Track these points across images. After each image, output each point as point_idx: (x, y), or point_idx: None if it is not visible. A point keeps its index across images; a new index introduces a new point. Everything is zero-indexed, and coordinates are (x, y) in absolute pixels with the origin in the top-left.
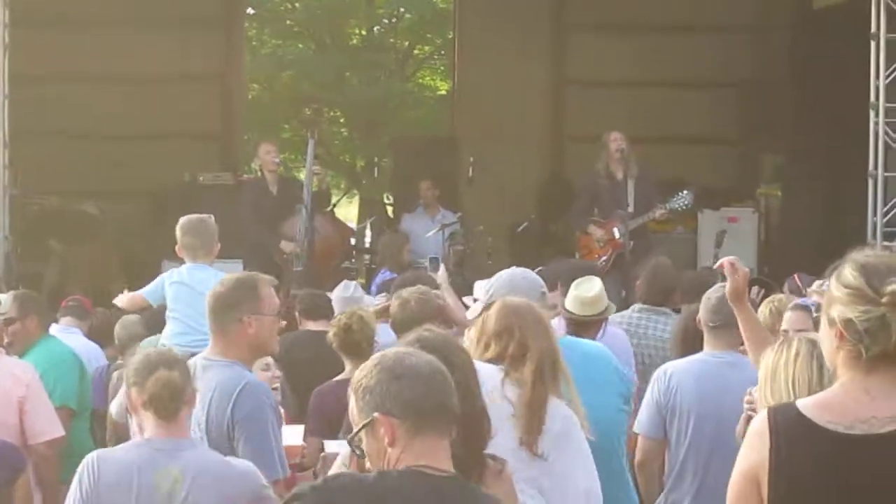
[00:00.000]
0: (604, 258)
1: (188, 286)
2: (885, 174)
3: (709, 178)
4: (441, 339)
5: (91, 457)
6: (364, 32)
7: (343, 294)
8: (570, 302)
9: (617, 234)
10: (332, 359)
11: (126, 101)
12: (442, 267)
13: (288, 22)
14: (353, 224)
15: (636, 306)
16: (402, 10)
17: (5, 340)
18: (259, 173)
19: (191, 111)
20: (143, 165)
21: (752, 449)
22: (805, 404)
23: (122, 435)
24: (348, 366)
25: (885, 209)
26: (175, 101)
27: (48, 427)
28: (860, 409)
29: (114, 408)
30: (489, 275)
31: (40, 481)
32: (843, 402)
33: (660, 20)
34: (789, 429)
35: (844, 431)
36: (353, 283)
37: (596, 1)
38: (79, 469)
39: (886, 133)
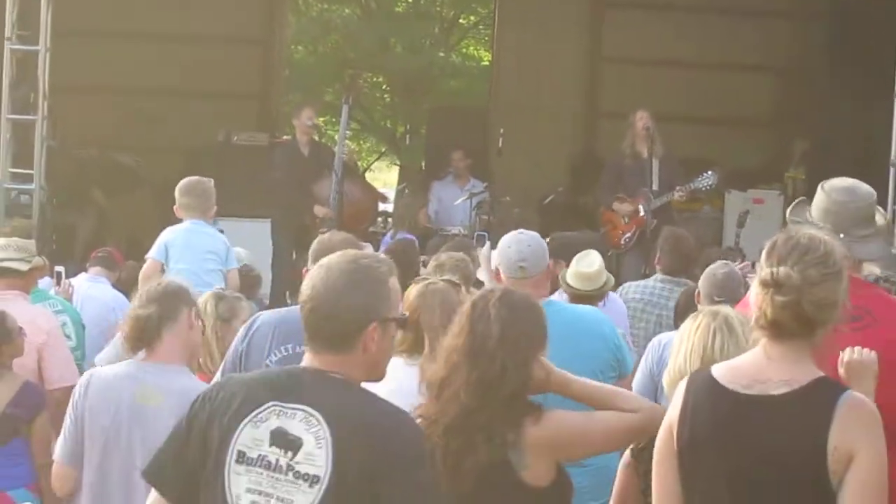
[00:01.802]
0: (627, 235)
1: (190, 242)
2: None
3: (739, 160)
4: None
5: (86, 374)
6: (410, 0)
7: None
8: (570, 277)
9: (641, 212)
10: None
11: (167, 58)
12: (487, 245)
13: None
14: (391, 190)
15: (658, 276)
16: None
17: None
18: (293, 135)
19: (231, 71)
20: (180, 123)
21: (672, 406)
22: (718, 368)
23: None
24: None
25: None
26: (216, 60)
27: (65, 375)
28: (760, 371)
29: (101, 360)
30: None
31: (55, 423)
32: (748, 365)
33: (697, 1)
34: (698, 388)
35: (742, 391)
36: None
37: None
38: (77, 384)
39: None
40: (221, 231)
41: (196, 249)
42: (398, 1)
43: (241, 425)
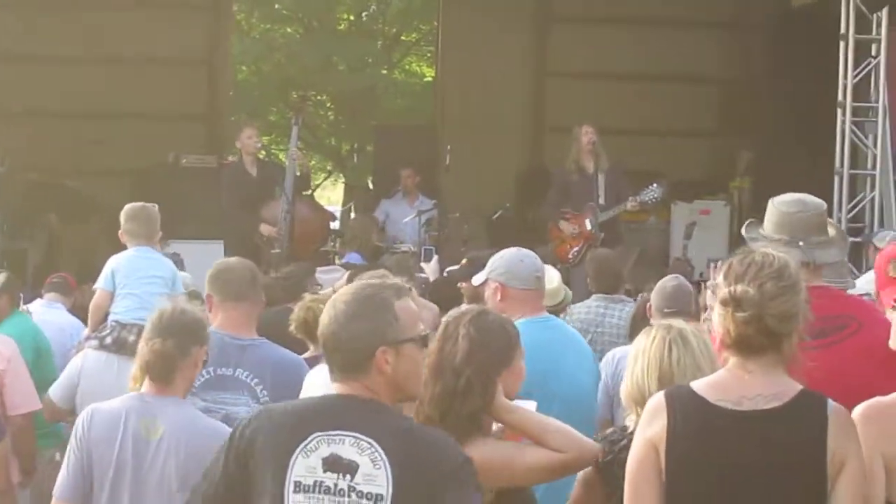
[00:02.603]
0: (575, 249)
1: (136, 267)
2: (851, 171)
3: (684, 171)
4: None
5: (87, 410)
6: (352, 18)
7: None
8: None
9: (588, 226)
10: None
11: (112, 81)
12: (435, 259)
13: (276, 6)
14: (337, 207)
15: (595, 296)
16: None
17: None
18: (239, 156)
19: (177, 93)
20: (128, 146)
21: (650, 424)
22: (697, 385)
23: (61, 419)
24: (312, 346)
25: (850, 206)
26: (161, 82)
27: (26, 400)
28: (744, 387)
29: (55, 392)
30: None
31: (17, 450)
32: (729, 381)
33: (641, 14)
34: (684, 405)
35: (733, 408)
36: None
37: None
38: (76, 422)
39: (853, 132)
40: (177, 254)
41: (141, 274)
42: (340, 19)
43: (293, 458)
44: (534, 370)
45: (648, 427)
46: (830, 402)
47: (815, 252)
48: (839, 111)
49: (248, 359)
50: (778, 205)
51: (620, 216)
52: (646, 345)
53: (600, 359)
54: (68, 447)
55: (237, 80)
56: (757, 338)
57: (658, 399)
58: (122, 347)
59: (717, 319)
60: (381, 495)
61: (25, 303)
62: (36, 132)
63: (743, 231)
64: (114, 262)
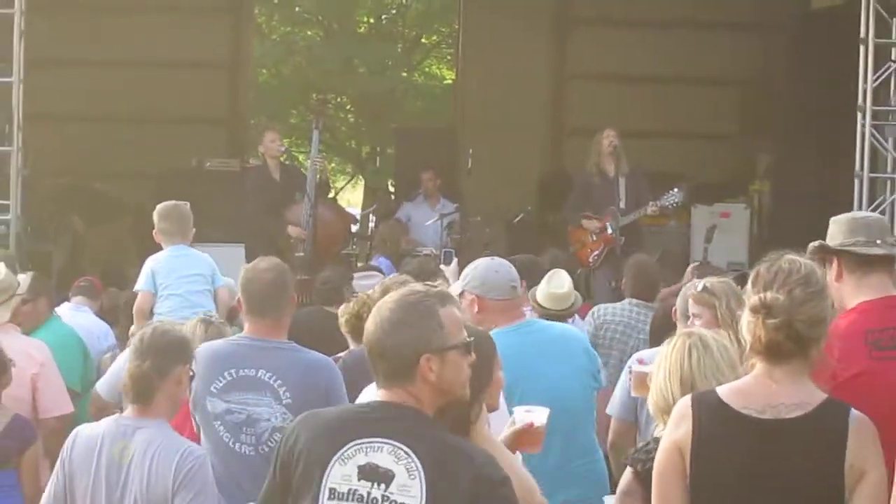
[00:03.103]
0: (596, 253)
1: (174, 266)
2: (871, 175)
3: (704, 174)
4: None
5: (74, 431)
6: (372, 21)
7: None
8: (541, 297)
9: (609, 230)
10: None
11: (135, 85)
12: (455, 262)
13: (297, 9)
14: (357, 210)
15: (629, 300)
16: None
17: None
18: (262, 160)
19: (199, 96)
20: (152, 149)
21: (677, 427)
22: (723, 391)
23: (107, 413)
24: (353, 345)
25: (870, 209)
26: (184, 86)
27: (59, 403)
28: (769, 395)
29: (101, 387)
30: None
31: (48, 453)
32: (754, 389)
33: (661, 16)
34: (709, 411)
35: (757, 416)
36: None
37: None
38: (66, 441)
39: (873, 135)
40: None
41: (181, 273)
42: (360, 22)
43: (330, 465)
44: (507, 380)
45: (675, 431)
46: (853, 411)
47: (894, 249)
48: (859, 115)
49: (270, 360)
50: (842, 218)
51: (641, 220)
52: (667, 352)
53: None
54: (56, 466)
55: (258, 83)
56: (787, 344)
57: (685, 403)
58: None
59: (745, 326)
60: None
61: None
62: (60, 135)
63: (825, 241)
64: (152, 263)
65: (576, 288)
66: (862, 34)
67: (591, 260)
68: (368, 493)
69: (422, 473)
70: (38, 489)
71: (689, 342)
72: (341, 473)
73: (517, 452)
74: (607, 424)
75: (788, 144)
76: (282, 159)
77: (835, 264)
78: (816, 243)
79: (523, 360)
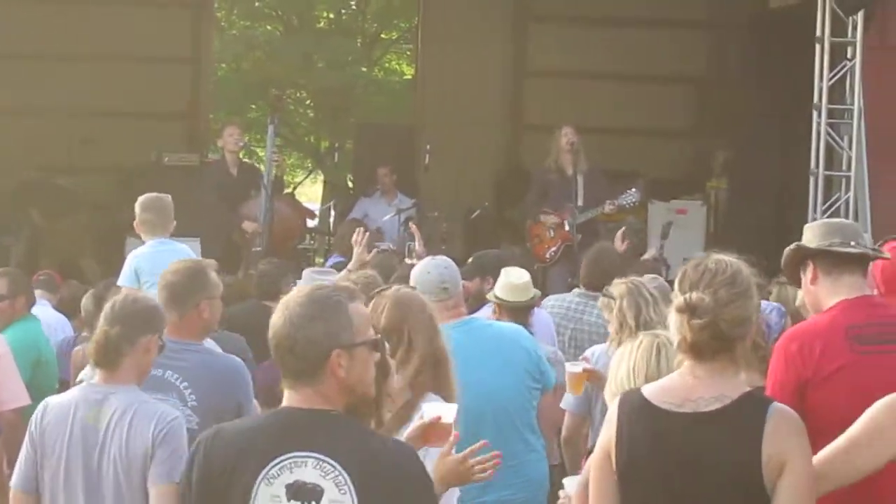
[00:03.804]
0: (553, 249)
1: (159, 261)
2: (826, 172)
3: (661, 171)
4: None
5: (42, 402)
6: (332, 16)
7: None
8: (500, 289)
9: (566, 227)
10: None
11: (95, 79)
12: (420, 243)
13: (257, 4)
14: (316, 205)
15: (576, 290)
16: None
17: None
18: (221, 154)
19: (159, 91)
20: (112, 144)
21: (606, 428)
22: (649, 389)
23: None
24: None
25: (825, 206)
26: (144, 80)
27: (16, 395)
28: (689, 390)
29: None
30: None
31: (7, 445)
32: (677, 385)
33: (620, 13)
34: (632, 409)
35: (675, 410)
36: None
37: None
38: (34, 412)
39: (828, 133)
40: None
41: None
42: (320, 17)
43: (256, 486)
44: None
45: (604, 434)
46: (775, 404)
47: (868, 250)
48: (815, 113)
49: (178, 362)
50: (816, 223)
51: (598, 217)
52: (631, 349)
53: (576, 355)
54: (25, 438)
55: (217, 77)
56: (711, 343)
57: (614, 405)
58: None
59: (673, 325)
60: None
61: None
62: (20, 129)
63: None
64: (135, 259)
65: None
66: (818, 33)
67: (547, 256)
68: None
69: (351, 487)
70: (2, 477)
71: (656, 342)
72: (269, 494)
73: (426, 447)
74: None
75: (745, 142)
76: (241, 155)
77: (810, 268)
78: (793, 246)
79: (458, 358)
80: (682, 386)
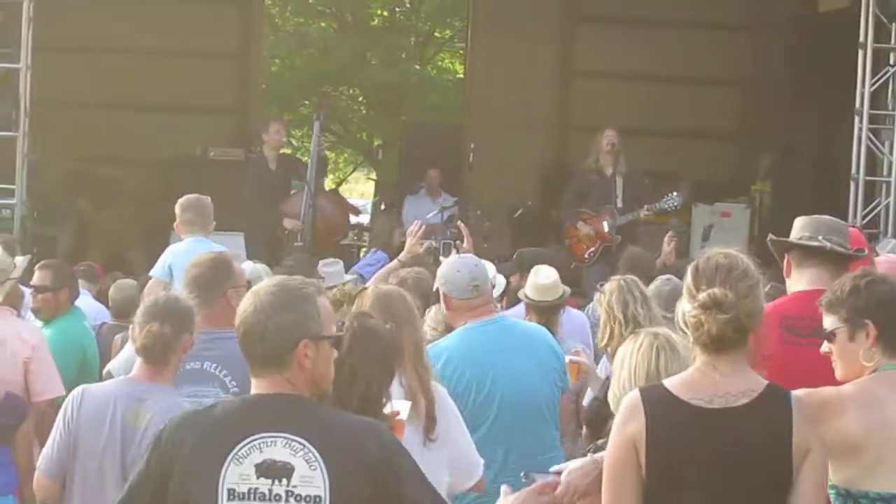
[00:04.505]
0: (591, 249)
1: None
2: (866, 178)
3: (706, 173)
4: None
5: (78, 389)
6: (386, 14)
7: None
8: (529, 289)
9: (605, 228)
10: None
11: (145, 73)
12: (453, 253)
13: (310, 0)
14: (368, 201)
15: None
16: None
17: (31, 305)
18: (260, 150)
19: (208, 86)
20: (158, 138)
21: (628, 421)
22: (671, 383)
23: None
24: None
25: (864, 212)
26: (193, 75)
27: (50, 386)
28: (715, 386)
29: (114, 366)
30: (485, 258)
31: (39, 435)
32: (700, 381)
33: (667, 15)
34: (663, 406)
35: (706, 406)
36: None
37: None
38: (66, 400)
39: (870, 139)
40: None
41: None
42: (374, 15)
43: (224, 467)
44: (465, 378)
45: (626, 426)
46: (793, 394)
47: (830, 245)
48: (856, 118)
49: (213, 352)
50: (802, 218)
51: (642, 218)
52: (632, 349)
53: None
54: (56, 424)
55: (271, 72)
56: (733, 336)
57: (634, 398)
58: None
59: (689, 320)
60: (320, 497)
61: None
62: (71, 121)
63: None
64: (171, 254)
65: (569, 283)
66: (861, 38)
67: (586, 256)
68: (270, 490)
69: (321, 463)
70: (32, 465)
71: (655, 343)
72: (238, 473)
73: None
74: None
75: (788, 145)
76: (282, 151)
77: (786, 260)
78: (768, 239)
79: (489, 356)
80: (708, 382)
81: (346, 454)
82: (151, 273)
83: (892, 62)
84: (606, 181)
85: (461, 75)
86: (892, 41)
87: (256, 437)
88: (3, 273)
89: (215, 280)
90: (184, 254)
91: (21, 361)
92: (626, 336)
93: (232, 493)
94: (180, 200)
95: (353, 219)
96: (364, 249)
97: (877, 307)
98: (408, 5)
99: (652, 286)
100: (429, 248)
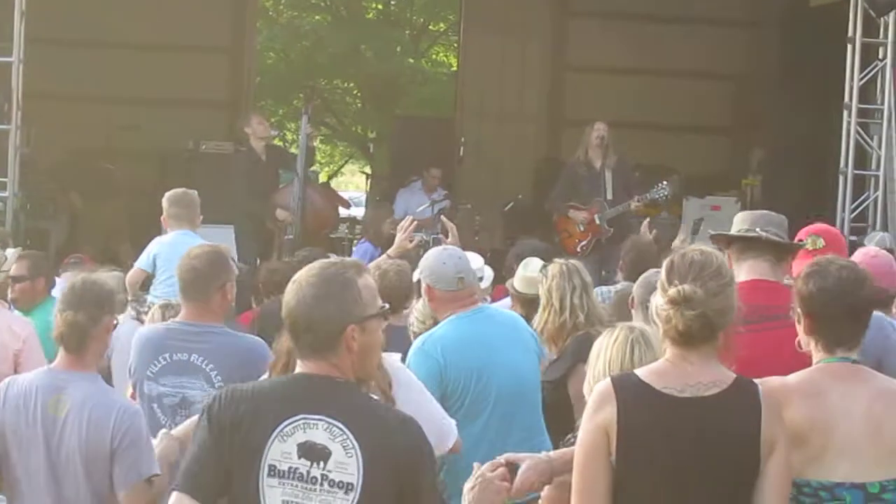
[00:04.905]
0: (583, 242)
1: (178, 252)
2: (855, 172)
3: (698, 167)
4: None
5: (6, 381)
6: (380, 7)
7: None
8: (517, 281)
9: (597, 220)
10: None
11: (138, 67)
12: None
13: None
14: (360, 194)
15: (623, 283)
16: None
17: (9, 296)
18: (247, 143)
19: (200, 80)
20: (150, 131)
21: (599, 409)
22: (643, 372)
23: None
24: None
25: (853, 206)
26: (186, 69)
27: None
28: (687, 376)
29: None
30: (476, 252)
31: None
32: (671, 371)
33: (659, 10)
34: (633, 393)
35: (677, 395)
36: None
37: None
38: None
39: (858, 133)
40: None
41: None
42: (368, 8)
43: (270, 441)
44: (467, 366)
45: (597, 413)
46: (761, 387)
47: (765, 235)
48: (845, 112)
49: (202, 344)
50: (741, 213)
51: (638, 211)
52: (608, 343)
53: None
54: None
55: (265, 66)
56: (700, 332)
57: (606, 386)
58: None
59: (659, 314)
60: (352, 484)
61: None
62: (63, 114)
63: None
64: (156, 246)
65: None
66: (850, 33)
67: (578, 249)
68: (308, 472)
69: (358, 451)
70: None
71: (631, 337)
72: (281, 450)
73: None
74: None
75: (778, 139)
76: (268, 141)
77: (728, 252)
78: (709, 233)
79: (483, 346)
80: (679, 372)
81: (381, 447)
82: (136, 264)
83: (880, 56)
84: (596, 174)
85: (455, 68)
86: (881, 36)
87: (300, 417)
88: None
89: (213, 274)
90: (169, 245)
91: (11, 354)
92: (559, 324)
93: (272, 470)
94: (167, 194)
95: (346, 212)
96: (355, 242)
97: (809, 299)
98: None
99: (642, 277)
100: (420, 243)
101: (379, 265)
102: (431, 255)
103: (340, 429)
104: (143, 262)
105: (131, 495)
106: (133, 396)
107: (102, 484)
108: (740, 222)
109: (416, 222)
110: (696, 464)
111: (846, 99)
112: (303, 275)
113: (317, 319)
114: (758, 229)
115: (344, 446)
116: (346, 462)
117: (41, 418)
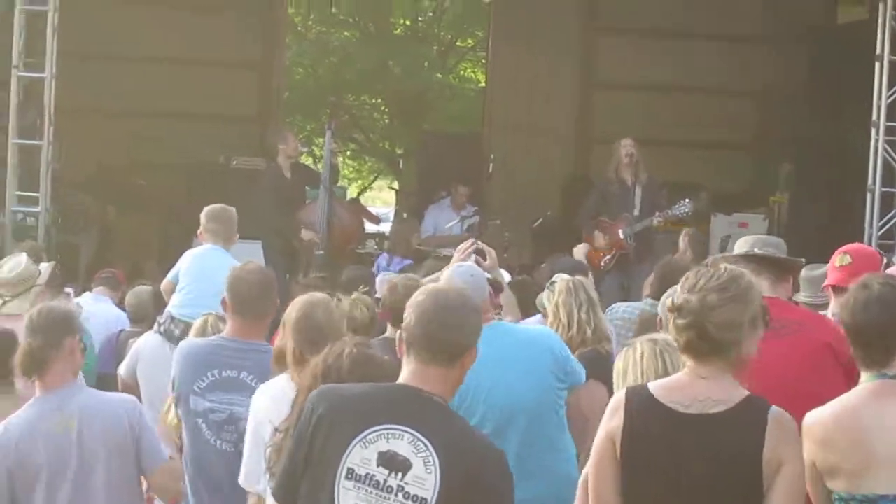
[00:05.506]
0: (608, 257)
1: (203, 265)
2: (883, 189)
3: (726, 184)
4: None
5: (3, 423)
6: (408, 23)
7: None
8: (546, 299)
9: (622, 235)
10: None
11: (169, 82)
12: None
13: (333, 10)
14: (390, 209)
15: (649, 301)
16: (446, 2)
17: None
18: (276, 160)
19: (230, 95)
20: (181, 146)
21: (611, 417)
22: (654, 386)
23: (131, 392)
24: (390, 329)
25: (881, 223)
26: (216, 84)
27: None
28: (695, 391)
29: (122, 369)
30: (504, 268)
31: None
32: (684, 385)
33: (686, 27)
34: (640, 405)
35: (682, 410)
36: None
37: (625, 5)
38: None
39: (886, 150)
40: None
41: (206, 273)
42: (396, 24)
43: (351, 445)
44: (477, 385)
45: (609, 421)
46: (773, 408)
47: (762, 252)
48: (873, 130)
49: (251, 363)
50: (744, 237)
51: (660, 227)
52: (635, 358)
53: None
54: None
55: (294, 81)
56: (700, 344)
57: (619, 396)
58: (170, 338)
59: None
60: (426, 500)
61: (76, 296)
62: (95, 128)
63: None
64: (185, 257)
65: None
66: (878, 51)
67: (602, 264)
68: (384, 481)
69: (438, 469)
70: None
71: (657, 349)
72: (361, 456)
73: None
74: None
75: (805, 156)
76: (302, 159)
77: None
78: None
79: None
80: (689, 386)
81: (464, 471)
82: (169, 276)
83: None
84: (626, 190)
85: (483, 84)
86: None
87: (387, 426)
88: (30, 280)
89: (264, 298)
90: (192, 257)
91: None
92: (567, 339)
93: (350, 473)
94: (206, 209)
95: (375, 227)
96: (375, 256)
97: (849, 316)
98: (430, 14)
99: (663, 297)
100: (440, 258)
101: (389, 280)
102: (446, 272)
103: (425, 444)
104: (171, 273)
105: (165, 472)
106: (174, 409)
107: (134, 476)
108: (742, 245)
109: (475, 245)
110: (696, 480)
111: (874, 117)
112: (445, 286)
113: (465, 329)
114: (756, 249)
115: (426, 462)
116: (425, 478)
117: (53, 443)
